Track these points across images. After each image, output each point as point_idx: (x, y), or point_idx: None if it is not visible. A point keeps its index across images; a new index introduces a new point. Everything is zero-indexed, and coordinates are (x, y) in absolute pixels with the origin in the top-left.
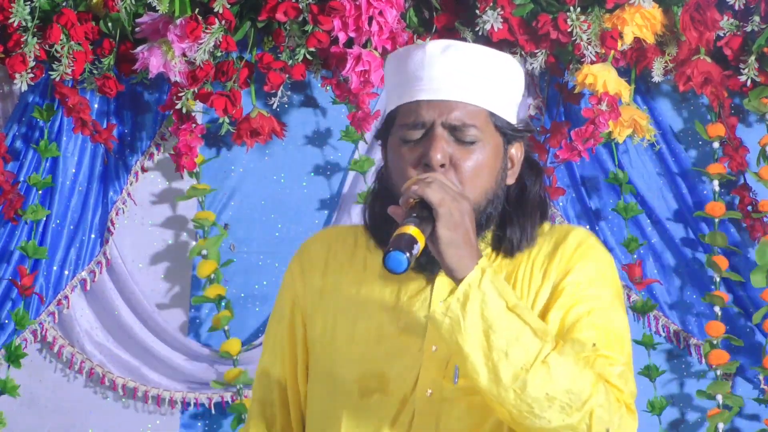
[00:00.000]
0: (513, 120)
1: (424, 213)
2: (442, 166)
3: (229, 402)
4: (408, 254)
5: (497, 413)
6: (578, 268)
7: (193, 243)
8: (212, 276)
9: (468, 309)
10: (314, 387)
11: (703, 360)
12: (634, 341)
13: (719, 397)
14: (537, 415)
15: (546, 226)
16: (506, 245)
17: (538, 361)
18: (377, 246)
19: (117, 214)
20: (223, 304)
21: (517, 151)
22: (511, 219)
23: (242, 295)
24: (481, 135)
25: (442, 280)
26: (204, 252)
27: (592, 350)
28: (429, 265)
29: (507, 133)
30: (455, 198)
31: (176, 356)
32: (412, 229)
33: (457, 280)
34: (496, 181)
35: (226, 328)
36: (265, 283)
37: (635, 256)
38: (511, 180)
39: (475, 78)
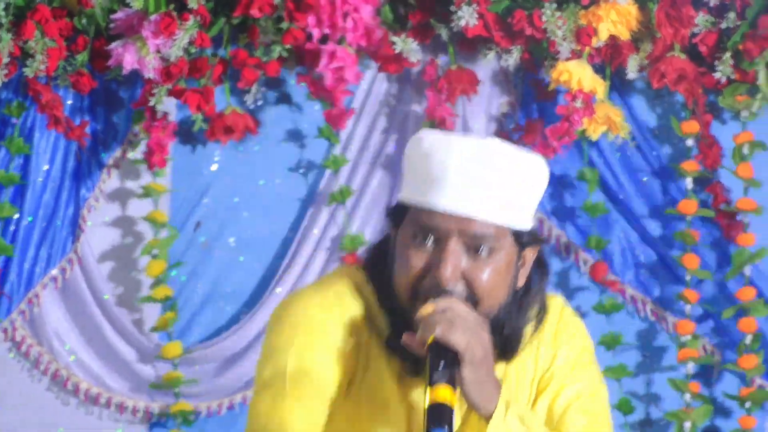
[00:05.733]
0: (530, 223)
1: (449, 354)
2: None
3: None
4: (447, 428)
5: None
6: (563, 350)
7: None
8: (161, 276)
9: None
10: None
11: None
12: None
13: (687, 396)
14: None
15: None
16: (500, 350)
17: None
18: (388, 330)
19: (89, 211)
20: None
21: (530, 251)
22: (511, 322)
23: (213, 293)
24: (497, 248)
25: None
26: (155, 252)
27: None
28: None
29: (524, 242)
30: (477, 334)
31: (136, 358)
32: (447, 394)
33: (481, 414)
34: (509, 289)
35: (170, 330)
36: (236, 281)
37: (600, 255)
38: (521, 282)
39: (499, 192)
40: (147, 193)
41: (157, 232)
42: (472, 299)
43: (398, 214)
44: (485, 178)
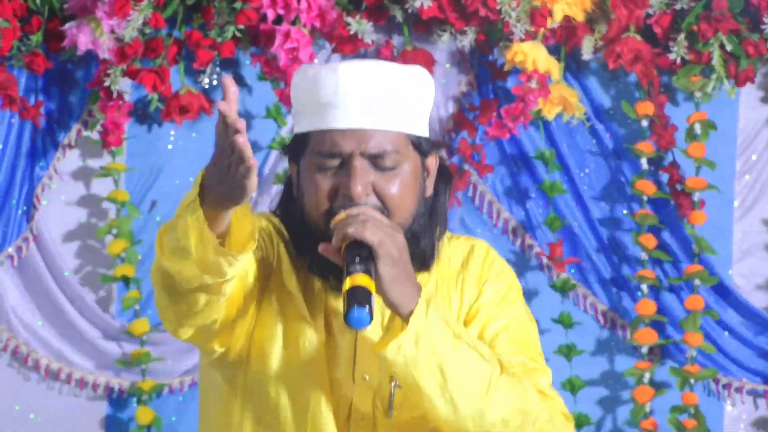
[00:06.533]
0: (426, 132)
1: (363, 253)
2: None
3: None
4: (368, 307)
5: None
6: (489, 287)
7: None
8: (123, 255)
9: (420, 346)
10: (238, 397)
11: (629, 337)
12: (552, 320)
13: (647, 376)
14: None
15: (446, 236)
16: (418, 260)
17: (491, 386)
18: (302, 261)
19: (43, 190)
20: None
21: (432, 159)
22: (426, 233)
23: None
24: (401, 159)
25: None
26: (114, 231)
27: (520, 365)
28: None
29: (424, 149)
30: (391, 234)
31: (99, 335)
32: (363, 279)
33: (403, 316)
34: (418, 199)
35: (136, 307)
36: None
37: (557, 235)
38: (429, 191)
39: (390, 102)
40: (106, 172)
41: (119, 210)
42: (384, 212)
43: (297, 147)
44: (375, 91)
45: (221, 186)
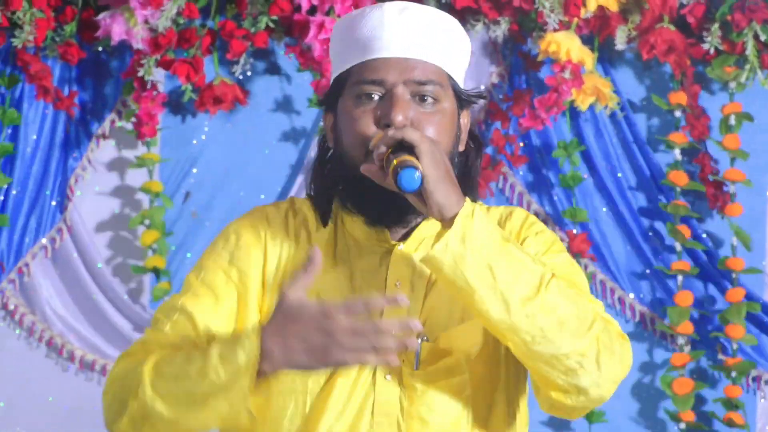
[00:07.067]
0: (463, 86)
1: (406, 151)
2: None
3: None
4: (418, 171)
5: (510, 344)
6: (529, 242)
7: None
8: (154, 246)
9: (468, 243)
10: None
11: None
12: None
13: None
14: (549, 339)
15: (483, 206)
16: None
17: (543, 285)
18: (323, 221)
19: (77, 181)
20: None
21: (464, 118)
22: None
23: None
24: (442, 94)
25: (398, 252)
26: (147, 222)
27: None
28: (385, 226)
29: (462, 97)
30: (430, 139)
31: (130, 326)
32: (410, 158)
33: (447, 218)
34: (453, 147)
35: (166, 299)
36: None
37: (576, 229)
38: (461, 147)
39: (433, 39)
40: (141, 163)
41: (152, 201)
42: None
43: (335, 90)
44: (419, 27)
45: (306, 359)
